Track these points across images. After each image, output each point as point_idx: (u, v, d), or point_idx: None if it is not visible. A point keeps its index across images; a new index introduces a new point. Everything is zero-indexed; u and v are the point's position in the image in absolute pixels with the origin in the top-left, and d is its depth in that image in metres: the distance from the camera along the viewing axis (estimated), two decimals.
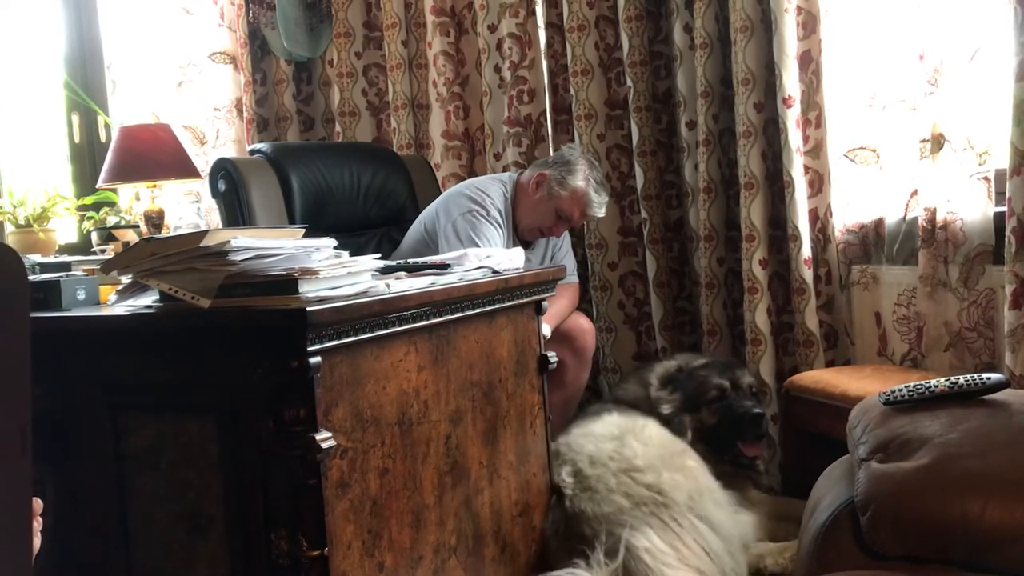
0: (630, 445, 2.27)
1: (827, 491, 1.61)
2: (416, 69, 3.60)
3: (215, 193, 2.86)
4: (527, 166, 3.10)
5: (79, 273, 2.01)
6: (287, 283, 1.51)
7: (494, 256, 2.10)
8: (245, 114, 3.79)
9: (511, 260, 2.13)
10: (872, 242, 2.75)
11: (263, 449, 1.48)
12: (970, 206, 2.41)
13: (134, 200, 3.42)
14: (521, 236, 2.88)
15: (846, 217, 2.78)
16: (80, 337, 1.67)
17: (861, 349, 2.77)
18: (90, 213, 3.39)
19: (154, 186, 3.22)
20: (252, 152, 3.09)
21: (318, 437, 1.45)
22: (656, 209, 3.09)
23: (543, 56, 3.30)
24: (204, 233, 1.53)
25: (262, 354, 1.46)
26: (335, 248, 1.69)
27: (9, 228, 3.24)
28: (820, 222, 2.76)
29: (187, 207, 3.41)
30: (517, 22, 3.28)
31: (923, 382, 1.60)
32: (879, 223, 2.72)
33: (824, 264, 2.77)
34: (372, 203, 3.10)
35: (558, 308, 2.75)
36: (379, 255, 1.86)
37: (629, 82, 3.06)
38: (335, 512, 1.51)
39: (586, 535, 2.11)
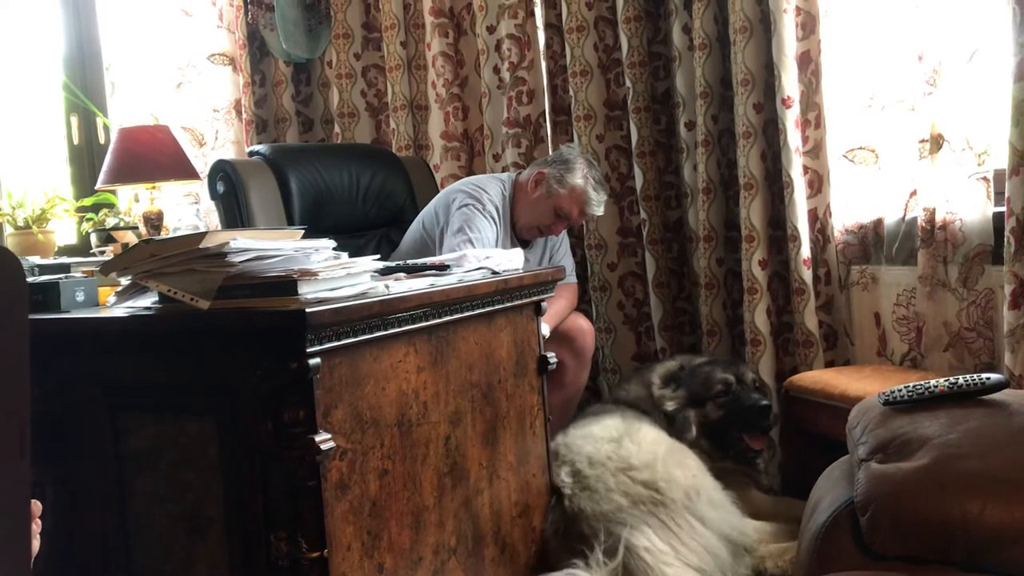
0: (626, 446, 2.28)
1: (827, 491, 1.61)
2: (415, 70, 3.60)
3: (214, 195, 2.86)
4: (526, 167, 3.10)
5: (78, 275, 2.01)
6: (286, 284, 1.51)
7: (493, 257, 2.10)
8: (244, 115, 3.79)
9: (510, 261, 2.13)
10: (871, 242, 2.75)
11: (262, 450, 1.48)
12: (969, 206, 2.41)
13: (133, 201, 3.43)
14: (520, 235, 2.88)
15: (845, 217, 2.78)
16: (79, 339, 1.67)
17: (860, 349, 2.77)
18: (89, 215, 3.39)
19: (153, 187, 3.23)
20: (251, 153, 3.09)
21: (317, 438, 1.45)
22: (655, 210, 3.09)
23: (542, 57, 3.30)
24: (203, 235, 1.53)
25: (261, 355, 1.46)
26: (334, 249, 1.69)
27: (8, 230, 3.24)
28: (819, 222, 2.76)
29: (186, 208, 3.41)
30: (516, 23, 3.28)
31: (922, 382, 1.60)
32: (878, 223, 2.72)
33: (823, 264, 2.77)
34: (371, 204, 3.10)
35: (557, 309, 2.75)
36: (378, 256, 1.86)
37: (628, 83, 3.06)
38: (335, 513, 1.51)
39: (585, 534, 2.11)
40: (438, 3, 3.43)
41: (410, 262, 2.06)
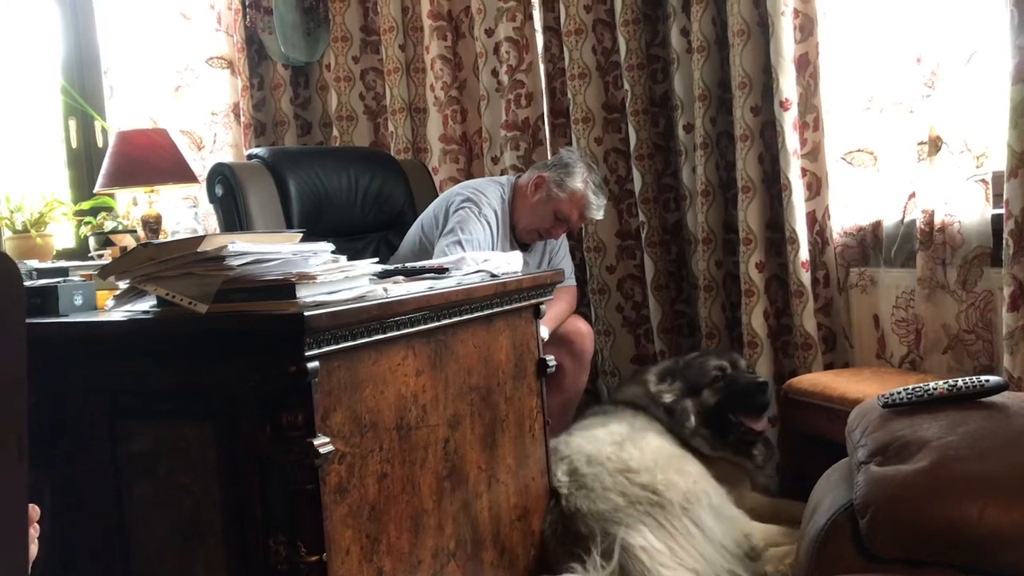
0: (628, 449, 2.28)
1: (826, 494, 1.61)
2: (413, 73, 3.60)
3: (212, 198, 2.86)
4: (525, 170, 3.10)
5: (76, 278, 2.01)
6: (284, 288, 1.51)
7: (492, 260, 2.10)
8: (242, 119, 3.79)
9: (509, 264, 2.13)
10: (870, 245, 2.75)
11: (261, 454, 1.48)
12: (968, 208, 2.41)
13: (131, 205, 3.43)
14: (519, 238, 2.88)
15: (844, 220, 2.78)
16: (77, 343, 1.67)
17: (859, 352, 2.77)
18: (87, 218, 3.39)
19: (151, 191, 3.23)
20: (249, 157, 3.09)
21: (316, 442, 1.44)
22: (654, 212, 3.09)
23: (540, 60, 3.30)
24: (201, 238, 1.53)
25: (260, 359, 1.46)
26: (332, 253, 1.68)
27: (6, 233, 3.24)
28: (818, 225, 2.76)
29: (184, 212, 3.40)
30: (514, 26, 3.28)
31: (922, 385, 1.60)
32: (877, 226, 2.72)
33: (822, 267, 2.77)
34: (370, 207, 3.10)
35: (556, 311, 2.75)
36: (377, 259, 1.86)
37: (626, 85, 3.06)
38: (333, 517, 1.51)
39: (582, 534, 2.11)
40: (436, 6, 3.43)
41: (409, 265, 2.06)
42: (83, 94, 3.74)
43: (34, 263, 2.44)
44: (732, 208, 2.93)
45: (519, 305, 2.11)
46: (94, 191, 3.33)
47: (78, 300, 1.79)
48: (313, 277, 1.53)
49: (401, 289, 1.70)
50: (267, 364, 1.44)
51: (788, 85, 2.67)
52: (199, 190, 3.51)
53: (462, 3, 3.46)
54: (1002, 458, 1.37)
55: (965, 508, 1.30)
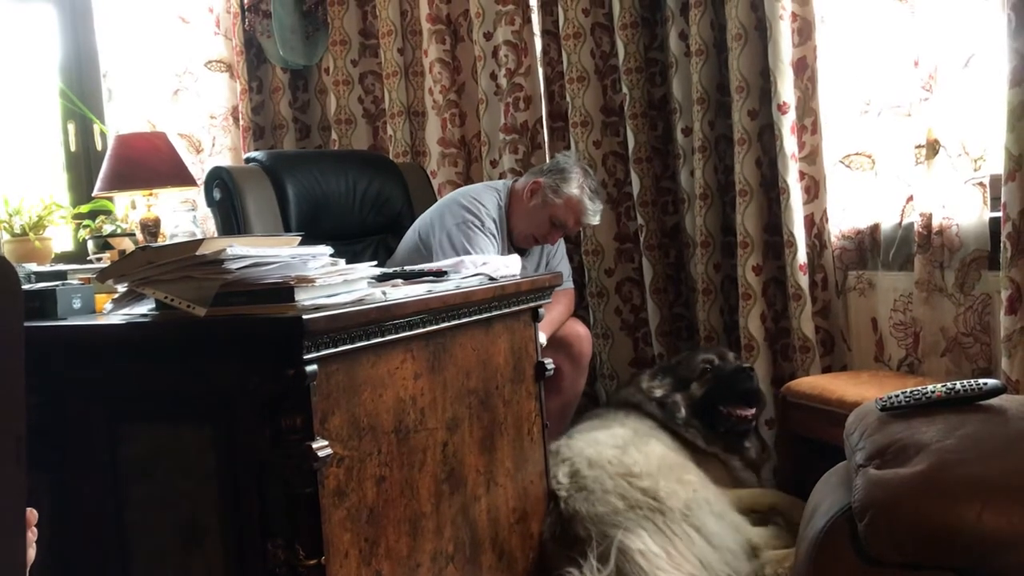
0: (631, 454, 2.29)
1: (824, 497, 1.61)
2: (412, 77, 3.60)
3: (211, 201, 2.86)
4: (523, 173, 3.10)
5: (75, 282, 2.01)
6: (283, 291, 1.51)
7: (490, 263, 2.10)
8: (241, 122, 3.79)
9: (508, 267, 2.13)
10: (868, 248, 2.76)
11: (259, 458, 1.48)
12: (965, 211, 2.41)
13: (130, 208, 3.42)
14: (516, 243, 2.88)
15: (842, 223, 2.78)
16: (76, 346, 1.67)
17: (858, 355, 2.77)
18: (86, 222, 3.39)
19: (150, 194, 3.22)
20: (248, 160, 3.09)
21: (314, 445, 1.44)
22: (652, 215, 3.10)
23: (539, 63, 3.31)
24: (200, 241, 1.53)
25: (258, 362, 1.46)
26: (331, 256, 1.68)
27: (5, 237, 3.23)
28: (816, 228, 2.76)
29: (183, 215, 3.41)
30: (513, 29, 3.28)
31: (920, 388, 1.60)
32: (875, 229, 2.72)
33: (820, 270, 2.77)
34: (368, 211, 3.10)
35: (555, 315, 2.75)
36: (375, 263, 1.86)
37: (625, 89, 3.07)
38: (332, 521, 1.50)
39: (580, 537, 2.11)
40: (435, 10, 3.44)
41: (407, 268, 2.06)
42: (82, 97, 3.74)
43: (32, 266, 2.44)
44: (730, 211, 2.93)
45: (517, 308, 2.11)
46: (93, 194, 3.33)
47: (77, 303, 1.79)
48: (311, 280, 1.53)
49: (400, 292, 1.70)
50: (266, 367, 1.44)
51: (786, 88, 2.67)
52: (198, 194, 3.51)
53: (461, 7, 3.46)
54: (1000, 461, 1.37)
55: (964, 511, 1.30)
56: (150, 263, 1.55)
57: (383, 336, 1.61)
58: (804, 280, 2.71)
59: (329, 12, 3.68)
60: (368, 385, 1.61)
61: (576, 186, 2.80)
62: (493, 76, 3.36)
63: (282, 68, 3.79)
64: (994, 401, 1.54)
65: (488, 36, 3.35)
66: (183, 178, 3.25)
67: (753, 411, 2.65)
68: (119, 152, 3.18)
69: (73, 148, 3.75)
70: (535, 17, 3.29)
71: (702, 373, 2.68)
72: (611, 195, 3.16)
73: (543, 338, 2.33)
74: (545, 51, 3.27)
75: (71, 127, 3.73)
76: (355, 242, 3.04)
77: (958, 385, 1.56)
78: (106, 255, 2.94)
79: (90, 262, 2.91)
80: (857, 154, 2.75)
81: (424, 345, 1.77)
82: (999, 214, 2.24)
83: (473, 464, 1.93)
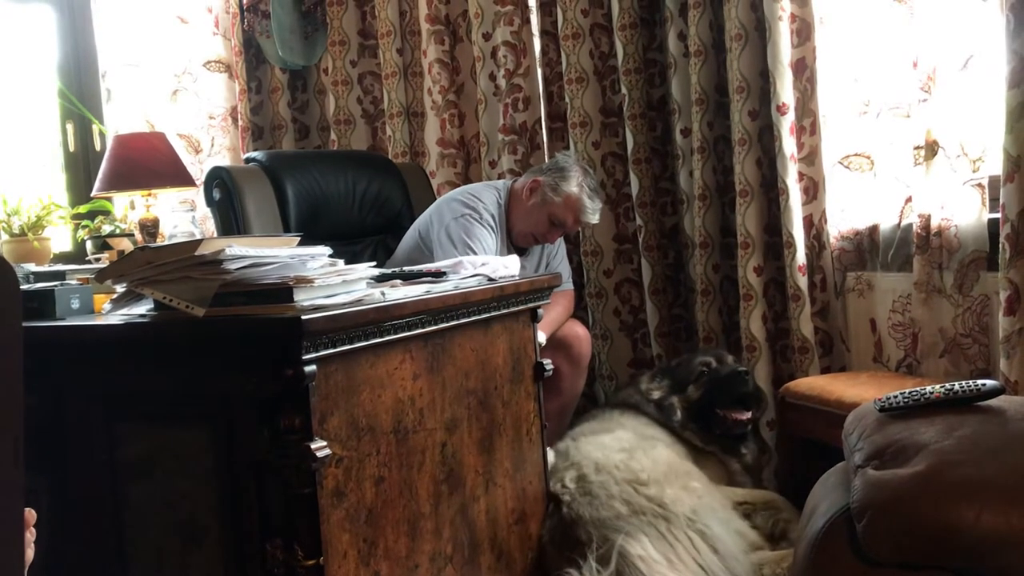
0: (639, 459, 2.29)
1: (823, 498, 1.61)
2: (411, 77, 3.60)
3: (210, 202, 2.86)
4: (522, 174, 3.10)
5: (73, 282, 2.01)
6: (282, 292, 1.51)
7: (490, 264, 2.10)
8: (240, 122, 3.79)
9: (507, 268, 2.13)
10: (867, 249, 2.76)
11: (258, 458, 1.48)
12: (964, 212, 2.41)
13: (129, 209, 3.42)
14: (515, 242, 2.88)
15: (841, 224, 2.79)
16: (74, 346, 1.67)
17: (856, 356, 2.77)
18: (85, 222, 3.39)
19: (149, 195, 3.22)
20: (247, 160, 3.09)
21: (313, 446, 1.44)
22: (651, 216, 3.10)
23: (538, 64, 3.31)
24: (199, 242, 1.53)
25: (257, 363, 1.46)
26: (330, 256, 1.68)
27: (3, 237, 3.23)
28: (815, 229, 2.76)
29: (182, 216, 3.41)
30: (512, 30, 3.29)
31: (918, 388, 1.60)
32: (874, 230, 2.73)
33: (819, 271, 2.77)
34: (368, 211, 3.10)
35: (554, 315, 2.75)
36: (374, 263, 1.86)
37: (624, 90, 3.07)
38: (331, 521, 1.50)
39: (581, 540, 2.11)
40: (434, 10, 3.44)
41: (406, 269, 2.06)
42: (80, 98, 3.74)
43: (31, 267, 2.43)
44: (729, 212, 2.93)
45: (517, 309, 2.11)
46: (91, 195, 3.33)
47: (75, 304, 1.79)
48: (311, 281, 1.53)
49: (399, 293, 1.70)
50: (264, 368, 1.44)
51: (785, 89, 2.67)
52: (197, 194, 3.51)
53: (460, 7, 3.46)
54: (999, 462, 1.37)
55: (962, 512, 1.30)
56: (149, 263, 1.54)
57: (382, 336, 1.61)
58: (803, 281, 2.71)
59: (328, 12, 3.68)
60: (367, 385, 1.61)
61: (575, 184, 2.80)
62: (492, 77, 3.36)
63: (281, 68, 3.79)
64: (993, 402, 1.54)
65: (487, 37, 3.35)
66: (182, 178, 3.25)
67: (749, 415, 2.65)
68: (118, 152, 3.18)
69: (72, 148, 3.75)
70: (534, 18, 3.29)
71: (699, 376, 2.68)
72: (610, 196, 3.16)
73: (542, 338, 2.33)
74: (544, 52, 3.27)
75: (70, 127, 3.73)
76: (354, 242, 3.04)
77: (957, 386, 1.56)
78: (105, 255, 2.93)
79: (89, 262, 2.91)
80: (856, 155, 2.75)
81: (423, 346, 1.77)
82: (998, 215, 2.24)
83: (472, 465, 1.93)
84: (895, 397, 1.60)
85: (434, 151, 3.50)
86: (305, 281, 1.52)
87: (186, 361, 1.57)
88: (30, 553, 0.93)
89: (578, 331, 2.89)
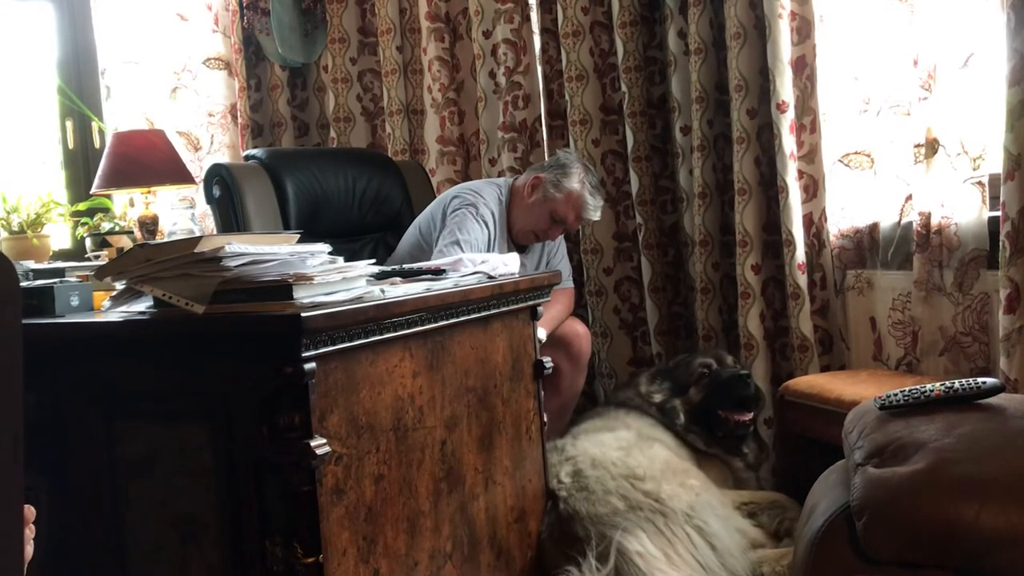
0: (635, 456, 2.29)
1: (823, 496, 1.61)
2: (411, 75, 3.60)
3: (209, 199, 2.86)
4: (522, 171, 3.10)
5: (73, 279, 2.00)
6: (281, 289, 1.51)
7: (489, 261, 2.10)
8: (240, 120, 3.79)
9: (506, 265, 2.13)
10: (867, 247, 2.76)
11: (257, 456, 1.48)
12: (964, 211, 2.41)
13: (128, 206, 3.42)
14: (516, 240, 2.88)
15: (841, 222, 2.78)
16: (74, 344, 1.67)
17: (856, 354, 2.77)
18: (84, 219, 3.39)
19: (148, 192, 3.22)
20: (247, 158, 3.08)
21: (313, 443, 1.44)
22: (651, 214, 3.10)
23: (538, 62, 3.31)
24: (198, 239, 1.52)
25: (256, 360, 1.46)
26: (330, 254, 1.68)
27: (3, 234, 3.23)
28: (815, 227, 2.76)
29: (181, 213, 3.40)
30: (512, 28, 3.28)
31: (918, 387, 1.60)
32: (874, 228, 2.72)
33: (819, 269, 2.77)
34: (367, 209, 3.10)
35: (554, 313, 2.75)
36: (374, 260, 1.86)
37: (624, 87, 3.07)
38: (330, 519, 1.50)
39: (579, 537, 2.11)
40: (434, 8, 3.43)
41: (406, 266, 2.06)
42: (80, 95, 3.73)
43: (31, 264, 2.43)
44: (729, 210, 2.93)
45: (516, 307, 2.10)
46: (91, 192, 3.32)
47: (75, 301, 1.79)
48: (310, 278, 1.53)
49: (398, 290, 1.70)
50: (264, 365, 1.44)
51: (785, 87, 2.67)
52: (196, 191, 3.50)
53: (460, 5, 3.46)
54: (999, 460, 1.37)
55: (962, 510, 1.30)
56: (148, 260, 1.54)
57: (381, 334, 1.60)
58: (803, 279, 2.71)
59: (328, 10, 3.68)
60: (366, 383, 1.61)
61: (577, 181, 2.80)
62: (492, 74, 3.36)
63: (281, 66, 3.78)
64: (992, 400, 1.54)
65: (487, 34, 3.34)
66: (181, 176, 3.25)
67: (751, 415, 2.66)
68: (117, 150, 3.18)
69: (71, 145, 3.75)
70: (534, 15, 3.29)
71: (700, 378, 2.68)
72: (610, 194, 3.16)
73: (542, 336, 2.33)
74: (544, 49, 3.27)
75: (69, 124, 3.72)
76: (354, 240, 3.04)
77: (956, 384, 1.56)
78: (104, 253, 2.93)
79: (88, 260, 2.91)
80: (856, 153, 2.75)
81: (422, 343, 1.76)
82: (998, 213, 2.24)
83: (471, 462, 1.93)
84: (895, 395, 1.60)
85: (434, 149, 3.49)
86: (304, 278, 1.52)
87: (185, 358, 1.57)
88: (30, 550, 0.93)
89: (578, 329, 2.89)
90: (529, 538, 2.15)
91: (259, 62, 3.85)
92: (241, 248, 1.51)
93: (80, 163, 3.78)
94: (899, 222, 2.62)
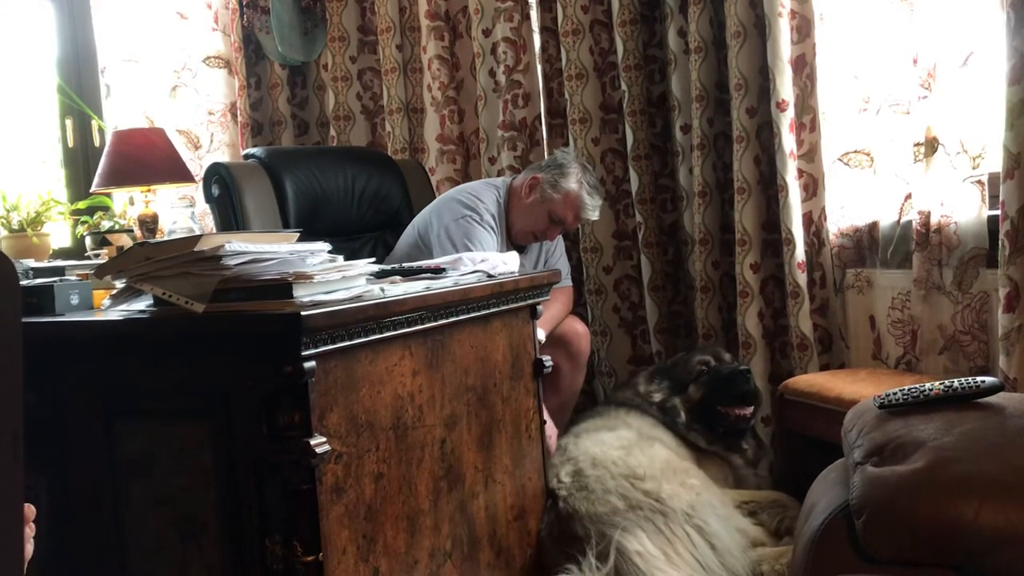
0: (636, 455, 2.29)
1: (822, 495, 1.61)
2: (411, 73, 3.60)
3: (209, 198, 2.85)
4: (522, 170, 3.10)
5: (73, 278, 2.01)
6: (281, 288, 1.51)
7: (489, 260, 2.10)
8: (239, 118, 3.79)
9: (506, 264, 2.13)
10: (866, 246, 2.76)
11: (257, 454, 1.48)
12: (964, 209, 2.41)
13: (128, 205, 3.42)
14: (515, 240, 2.88)
15: (840, 221, 2.78)
16: (73, 342, 1.67)
17: (855, 353, 2.77)
18: (84, 217, 3.38)
19: (148, 190, 3.22)
20: (246, 156, 3.08)
21: (313, 442, 1.44)
22: (651, 213, 3.10)
23: (537, 60, 3.30)
24: (198, 238, 1.52)
25: (256, 359, 1.46)
26: (329, 252, 1.68)
27: (3, 233, 3.23)
28: (814, 226, 2.76)
29: (181, 212, 3.40)
30: (511, 26, 3.28)
31: (917, 385, 1.60)
32: (873, 227, 2.72)
33: (818, 268, 2.77)
34: (367, 207, 3.10)
35: (553, 312, 2.75)
36: (374, 259, 1.86)
37: (624, 86, 3.07)
38: (330, 517, 1.50)
39: (579, 536, 2.11)
40: (434, 6, 3.43)
41: (406, 265, 2.06)
42: (80, 93, 3.73)
43: (30, 262, 2.43)
44: (729, 209, 2.93)
45: (516, 305, 2.11)
46: (91, 190, 3.32)
47: (74, 299, 1.79)
48: (310, 277, 1.53)
49: (398, 289, 1.70)
50: (264, 364, 1.44)
51: (785, 86, 2.67)
52: (196, 190, 3.50)
53: (459, 3, 3.46)
54: (998, 459, 1.37)
55: (961, 509, 1.30)
56: (148, 259, 1.54)
57: (381, 333, 1.61)
58: (802, 278, 2.71)
59: (327, 8, 3.68)
60: (366, 382, 1.61)
61: (575, 181, 2.79)
62: (492, 73, 3.36)
63: (280, 64, 3.78)
64: (992, 399, 1.54)
65: (487, 33, 3.34)
66: (181, 174, 3.25)
67: (751, 409, 2.67)
68: (117, 148, 3.18)
69: (71, 144, 3.75)
70: (534, 14, 3.29)
71: (699, 375, 2.69)
72: (610, 192, 3.16)
73: (542, 335, 2.33)
74: (544, 48, 3.27)
75: (69, 123, 3.72)
76: (353, 239, 3.04)
77: (956, 383, 1.56)
78: (104, 251, 2.92)
79: (88, 258, 2.91)
80: (856, 152, 2.75)
81: (422, 342, 1.76)
82: (997, 212, 2.24)
83: (471, 461, 1.93)
84: (894, 394, 1.60)
85: (433, 147, 3.49)
86: (304, 277, 1.52)
87: (185, 357, 1.57)
88: (30, 549, 0.93)
89: (577, 328, 2.89)
90: (529, 537, 2.15)
91: (259, 60, 3.85)
92: (241, 247, 1.51)
93: (80, 161, 3.77)
94: (899, 221, 2.62)
